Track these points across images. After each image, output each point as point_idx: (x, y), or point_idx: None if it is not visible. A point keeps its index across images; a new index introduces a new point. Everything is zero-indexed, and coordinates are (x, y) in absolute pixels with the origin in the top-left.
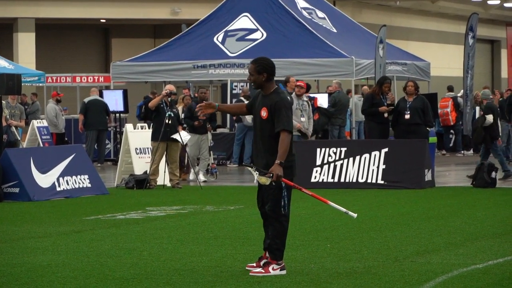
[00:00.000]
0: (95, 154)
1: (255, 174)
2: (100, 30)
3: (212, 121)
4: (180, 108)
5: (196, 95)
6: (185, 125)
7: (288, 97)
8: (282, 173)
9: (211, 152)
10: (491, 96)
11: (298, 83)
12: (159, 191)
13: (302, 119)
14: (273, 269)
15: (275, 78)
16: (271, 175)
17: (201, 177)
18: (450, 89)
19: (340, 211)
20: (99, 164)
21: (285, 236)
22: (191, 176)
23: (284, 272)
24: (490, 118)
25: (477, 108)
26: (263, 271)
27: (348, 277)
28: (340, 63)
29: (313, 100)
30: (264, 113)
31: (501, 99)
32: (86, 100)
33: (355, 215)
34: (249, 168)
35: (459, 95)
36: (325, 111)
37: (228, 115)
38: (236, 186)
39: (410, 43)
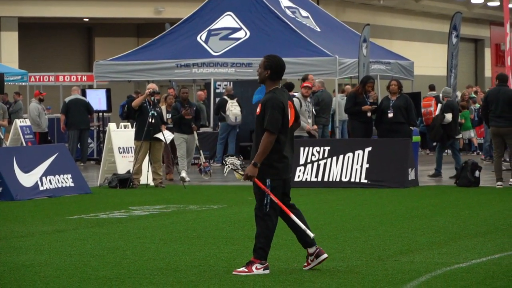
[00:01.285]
0: (78, 154)
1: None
2: (83, 29)
3: (197, 120)
4: (163, 107)
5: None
6: (170, 125)
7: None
8: (255, 173)
9: (201, 151)
10: (463, 94)
11: (305, 84)
12: (142, 191)
13: (309, 120)
14: (256, 268)
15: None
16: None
17: (186, 177)
18: (432, 88)
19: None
20: (82, 164)
21: (270, 236)
22: (184, 173)
23: (267, 271)
24: (449, 116)
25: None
26: (246, 270)
27: (331, 276)
28: (323, 62)
29: None
30: (258, 109)
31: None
32: (67, 99)
33: (312, 235)
34: (227, 164)
35: (440, 94)
36: None
37: (212, 113)
38: (220, 185)
39: (394, 42)
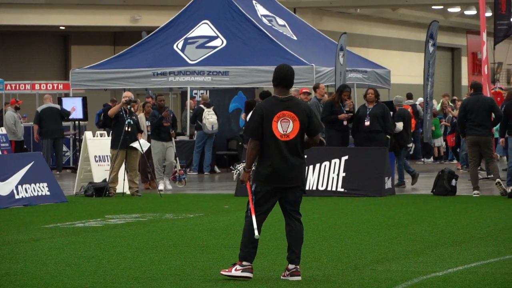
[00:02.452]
0: (53, 162)
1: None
2: (60, 37)
3: (173, 127)
4: (142, 115)
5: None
6: (148, 132)
7: (258, 105)
8: (245, 178)
9: (177, 158)
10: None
11: (304, 90)
12: (118, 199)
13: None
14: (235, 269)
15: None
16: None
17: (168, 185)
18: (409, 96)
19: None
20: (57, 172)
21: (246, 238)
22: (161, 186)
23: (247, 274)
24: (400, 125)
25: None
26: (227, 270)
27: (307, 285)
28: (300, 71)
29: None
30: None
31: None
32: (39, 109)
33: (257, 235)
34: (237, 169)
35: (417, 102)
36: None
37: (188, 121)
38: (196, 194)
39: (371, 50)
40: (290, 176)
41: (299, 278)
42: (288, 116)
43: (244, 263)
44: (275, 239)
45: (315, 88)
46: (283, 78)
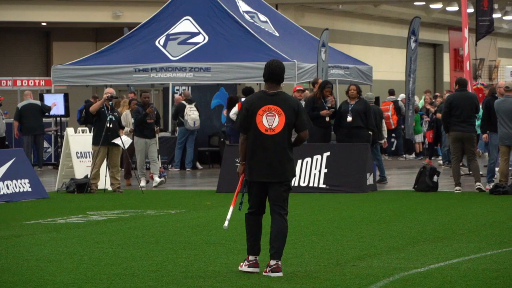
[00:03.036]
0: (35, 159)
1: None
2: (41, 33)
3: (157, 124)
4: (128, 112)
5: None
6: (128, 128)
7: (246, 99)
8: (239, 170)
9: (159, 156)
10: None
11: (298, 87)
12: (100, 195)
13: None
14: (244, 265)
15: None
16: None
17: (157, 178)
18: (391, 92)
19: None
20: (39, 168)
21: (247, 234)
22: (143, 182)
23: (252, 270)
24: None
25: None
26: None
27: (289, 281)
28: None
29: None
30: None
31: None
32: (19, 105)
33: (225, 225)
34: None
35: (399, 99)
36: None
37: (170, 118)
38: (178, 190)
39: (353, 46)
40: (271, 171)
41: (280, 274)
42: (274, 110)
43: (250, 257)
44: None
45: (314, 83)
46: (271, 73)
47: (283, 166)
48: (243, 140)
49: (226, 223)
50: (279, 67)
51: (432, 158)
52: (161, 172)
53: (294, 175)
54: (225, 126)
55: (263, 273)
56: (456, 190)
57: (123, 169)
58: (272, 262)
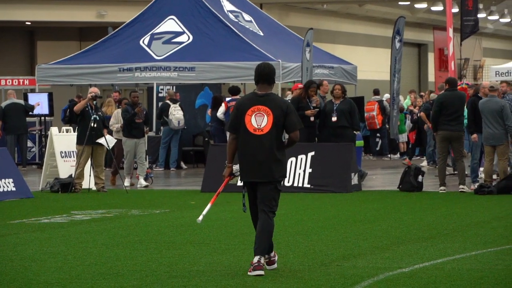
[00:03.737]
0: (19, 158)
1: None
2: (25, 32)
3: (146, 123)
4: (118, 111)
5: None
6: (119, 125)
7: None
8: (226, 173)
9: (147, 156)
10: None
11: (299, 85)
12: (84, 195)
13: None
14: (250, 270)
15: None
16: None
17: (142, 181)
18: (376, 92)
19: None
20: (23, 168)
21: (256, 234)
22: (127, 182)
23: (256, 273)
24: None
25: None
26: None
27: (273, 281)
28: None
29: None
30: None
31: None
32: (3, 104)
33: (199, 219)
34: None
35: (384, 98)
36: None
37: (154, 118)
38: (162, 190)
39: (337, 46)
40: (259, 171)
41: (261, 272)
42: (262, 111)
43: (254, 260)
44: (242, 235)
45: (319, 85)
46: (260, 74)
47: (271, 166)
48: (231, 140)
49: (200, 217)
50: (268, 68)
51: (412, 158)
52: (148, 173)
53: (284, 176)
54: (210, 125)
55: (248, 273)
56: (441, 190)
57: (107, 169)
58: (254, 260)
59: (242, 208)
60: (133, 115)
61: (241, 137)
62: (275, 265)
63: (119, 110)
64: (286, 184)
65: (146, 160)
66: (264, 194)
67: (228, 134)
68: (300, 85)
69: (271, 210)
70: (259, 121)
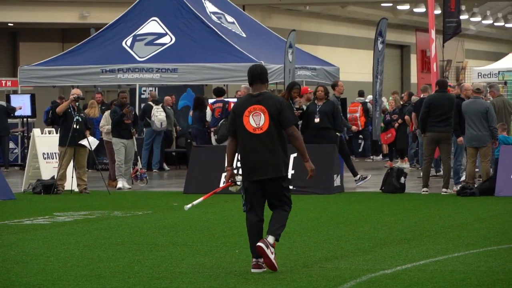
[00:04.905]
0: (0, 160)
1: None
2: (8, 34)
3: (135, 124)
4: (107, 113)
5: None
6: (102, 130)
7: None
8: (227, 177)
9: (139, 157)
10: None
11: (308, 89)
12: (66, 196)
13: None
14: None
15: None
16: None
17: (125, 184)
18: (361, 94)
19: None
20: (5, 169)
21: (248, 235)
22: (120, 184)
23: (254, 271)
24: None
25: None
26: None
27: (256, 282)
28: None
29: (227, 104)
30: None
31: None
32: None
33: (187, 207)
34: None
35: (367, 100)
36: None
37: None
38: (145, 191)
39: (320, 48)
40: (264, 169)
41: (257, 270)
42: (259, 110)
43: (253, 259)
44: (224, 237)
45: (334, 85)
46: (252, 75)
47: (275, 162)
48: (229, 142)
49: (189, 206)
50: (260, 68)
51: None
52: (142, 173)
53: (286, 172)
54: (191, 127)
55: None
56: (423, 191)
57: (89, 170)
58: (269, 239)
59: (242, 208)
60: (122, 115)
61: (241, 139)
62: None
63: (110, 111)
64: None
65: (138, 160)
66: (274, 192)
67: (213, 136)
68: (309, 89)
69: (286, 205)
70: (257, 120)
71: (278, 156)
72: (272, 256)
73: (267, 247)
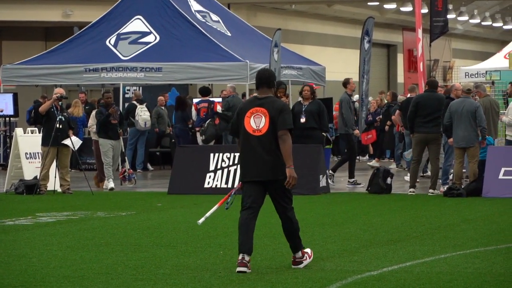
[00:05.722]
0: None
1: None
2: None
3: (121, 125)
4: (94, 113)
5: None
6: (91, 130)
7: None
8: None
9: (126, 157)
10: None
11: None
12: (49, 197)
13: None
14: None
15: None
16: None
17: (110, 184)
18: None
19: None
20: None
21: (239, 231)
22: (111, 184)
23: (239, 269)
24: None
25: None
26: None
27: (241, 284)
28: (234, 67)
29: (212, 104)
30: None
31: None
32: None
33: (199, 222)
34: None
35: (355, 99)
36: (224, 115)
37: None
38: (128, 191)
39: (306, 47)
40: (261, 170)
41: (299, 266)
42: (260, 112)
43: (239, 256)
44: (208, 237)
45: (345, 83)
46: (260, 78)
47: (271, 165)
48: (237, 143)
49: (201, 220)
50: (267, 72)
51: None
52: (130, 174)
53: (284, 175)
54: (174, 127)
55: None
56: (409, 192)
57: (73, 170)
58: (295, 256)
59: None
60: (107, 116)
61: (241, 139)
62: (301, 266)
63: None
64: None
65: (126, 161)
66: (275, 193)
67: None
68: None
69: (288, 208)
70: (257, 122)
71: (274, 159)
72: (305, 262)
73: (299, 263)
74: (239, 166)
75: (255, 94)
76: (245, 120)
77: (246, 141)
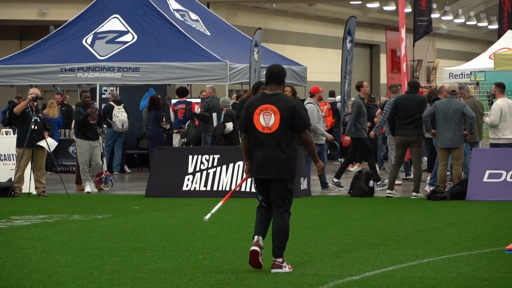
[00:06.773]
0: None
1: None
2: None
3: (99, 125)
4: (76, 115)
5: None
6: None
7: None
8: (247, 170)
9: (104, 159)
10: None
11: (319, 89)
12: (24, 199)
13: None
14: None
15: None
16: None
17: (93, 187)
18: (332, 94)
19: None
20: None
21: (256, 221)
22: (88, 188)
23: (251, 248)
24: (229, 126)
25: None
26: None
27: None
28: (213, 67)
29: (190, 105)
30: None
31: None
32: None
33: (206, 218)
34: None
35: (337, 100)
36: (203, 116)
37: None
38: (105, 194)
39: (287, 47)
40: (267, 168)
41: (278, 270)
42: (270, 110)
43: (254, 238)
44: (187, 241)
45: (359, 87)
46: (270, 75)
47: (278, 164)
48: (243, 139)
49: (208, 216)
50: (278, 68)
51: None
52: (107, 176)
53: (292, 175)
54: (146, 128)
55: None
56: (387, 193)
57: (48, 172)
58: (276, 259)
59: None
60: (86, 116)
61: (253, 135)
62: (281, 270)
63: (73, 112)
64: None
65: (103, 163)
66: (276, 192)
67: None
68: (320, 88)
69: (285, 209)
70: (267, 119)
71: (281, 158)
72: (285, 270)
73: (279, 267)
74: (250, 161)
75: (264, 91)
76: (254, 117)
77: (256, 138)
